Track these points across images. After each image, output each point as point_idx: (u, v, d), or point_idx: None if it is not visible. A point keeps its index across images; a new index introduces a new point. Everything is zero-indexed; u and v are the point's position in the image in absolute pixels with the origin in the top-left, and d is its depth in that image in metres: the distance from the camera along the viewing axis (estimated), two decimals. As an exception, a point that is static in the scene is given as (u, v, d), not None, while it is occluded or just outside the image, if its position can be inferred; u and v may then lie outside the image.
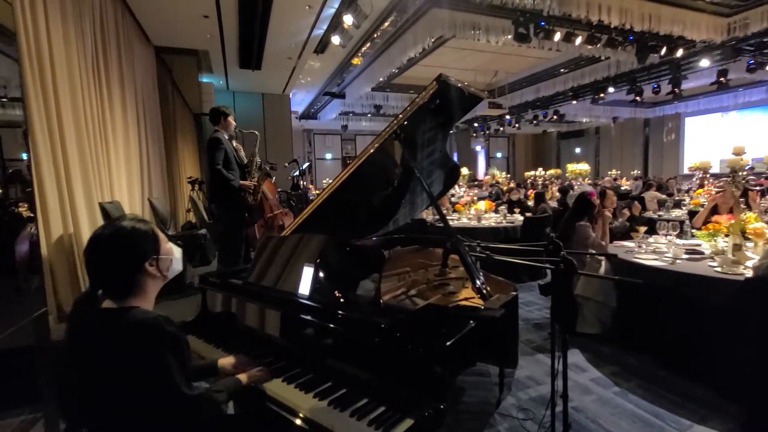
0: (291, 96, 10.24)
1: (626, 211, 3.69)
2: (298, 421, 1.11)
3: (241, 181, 3.81)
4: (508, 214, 5.45)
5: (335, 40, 5.98)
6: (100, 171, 3.43)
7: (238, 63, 7.33)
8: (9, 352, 1.47)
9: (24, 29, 2.43)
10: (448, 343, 1.10)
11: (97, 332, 1.00)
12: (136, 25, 5.29)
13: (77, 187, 2.99)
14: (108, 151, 3.72)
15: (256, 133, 4.35)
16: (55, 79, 2.78)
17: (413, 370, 1.09)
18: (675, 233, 3.06)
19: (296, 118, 13.42)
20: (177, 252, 1.17)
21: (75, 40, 3.13)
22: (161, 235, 1.13)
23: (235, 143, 3.99)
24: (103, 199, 3.35)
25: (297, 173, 6.19)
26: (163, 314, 1.02)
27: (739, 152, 2.77)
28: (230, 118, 3.84)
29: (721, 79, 9.02)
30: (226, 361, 1.35)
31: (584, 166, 11.60)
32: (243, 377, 1.24)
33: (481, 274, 1.55)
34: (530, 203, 6.69)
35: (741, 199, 3.60)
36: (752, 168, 7.48)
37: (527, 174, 13.61)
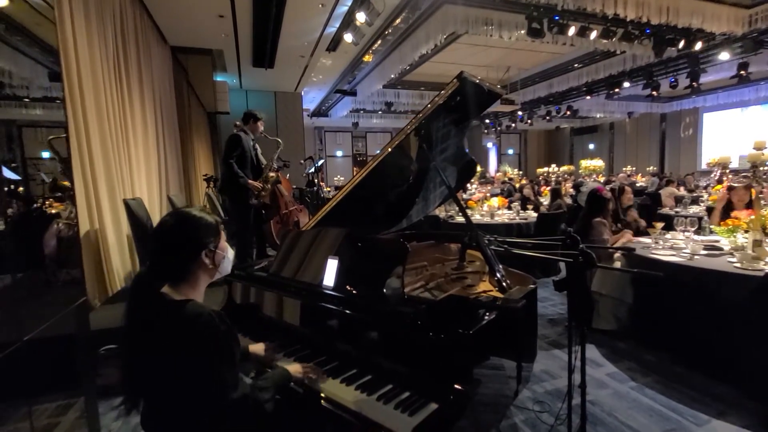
0: (303, 94, 10.31)
1: (634, 213, 3.66)
2: (325, 404, 1.16)
3: (250, 181, 3.95)
4: (521, 211, 5.44)
5: (348, 37, 6.01)
6: (122, 169, 3.54)
7: (251, 62, 7.42)
8: (47, 341, 1.55)
9: (62, 40, 2.55)
10: (471, 331, 1.14)
11: (154, 319, 1.05)
12: (153, 26, 5.40)
13: (101, 184, 3.09)
14: (129, 150, 3.83)
15: (279, 140, 4.55)
16: (81, 81, 2.88)
17: (437, 357, 1.13)
18: (693, 229, 3.02)
19: (307, 115, 13.51)
20: (231, 254, 1.21)
21: (98, 42, 3.22)
22: (223, 233, 1.18)
23: (258, 147, 4.19)
24: (125, 196, 3.46)
25: (312, 170, 6.28)
26: (217, 310, 1.06)
27: (760, 147, 2.72)
28: (259, 123, 4.14)
29: (742, 72, 8.78)
30: (257, 347, 1.40)
31: (598, 163, 11.43)
32: (293, 369, 1.24)
33: (500, 266, 1.58)
34: (542, 200, 6.66)
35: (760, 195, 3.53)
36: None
37: (539, 170, 13.49)
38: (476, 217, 5.28)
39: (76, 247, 2.55)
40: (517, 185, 9.41)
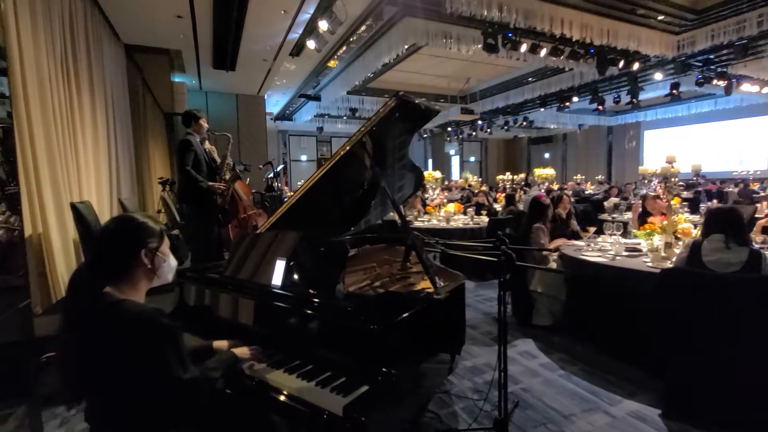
0: (266, 97, 10.22)
1: (574, 224, 4.03)
2: (270, 392, 1.26)
3: (210, 183, 3.88)
4: (476, 216, 5.74)
5: (310, 44, 6.09)
6: (68, 170, 3.42)
7: (211, 63, 7.30)
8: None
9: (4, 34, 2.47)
10: (396, 320, 1.29)
11: (96, 320, 1.07)
12: (106, 23, 5.22)
13: (46, 187, 2.99)
14: (77, 151, 3.70)
15: (229, 135, 4.44)
16: (24, 78, 2.79)
17: (368, 345, 1.27)
18: (619, 233, 3.38)
19: (271, 119, 13.36)
20: (173, 263, 1.26)
21: (44, 38, 3.12)
22: (167, 240, 1.24)
23: (208, 145, 4.07)
24: (72, 199, 3.34)
25: (272, 175, 6.26)
26: (157, 307, 1.12)
27: (670, 161, 3.11)
28: (202, 121, 3.94)
29: (674, 91, 9.72)
30: (221, 343, 1.46)
31: (550, 171, 12.17)
32: (240, 351, 1.35)
33: (433, 266, 1.74)
34: (496, 206, 7.05)
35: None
36: (702, 176, 8.11)
37: (499, 178, 14.11)
38: (433, 222, 5.51)
39: (20, 250, 2.46)
40: (476, 191, 9.82)
